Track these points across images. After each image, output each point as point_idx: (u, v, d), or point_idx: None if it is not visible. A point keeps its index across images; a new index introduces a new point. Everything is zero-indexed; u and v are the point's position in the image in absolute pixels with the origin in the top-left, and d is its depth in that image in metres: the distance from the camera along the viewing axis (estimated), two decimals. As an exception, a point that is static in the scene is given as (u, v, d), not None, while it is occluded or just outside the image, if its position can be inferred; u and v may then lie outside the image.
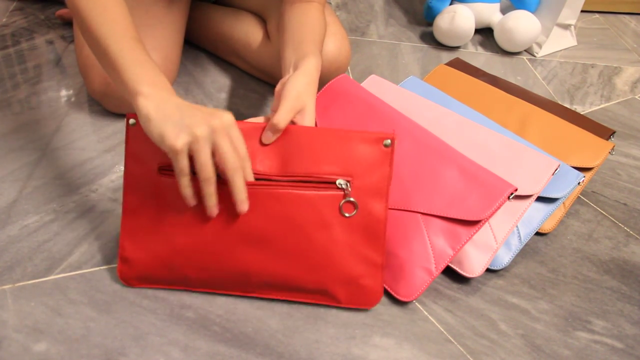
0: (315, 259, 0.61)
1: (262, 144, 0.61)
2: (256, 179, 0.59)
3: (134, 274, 0.64)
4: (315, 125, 0.67)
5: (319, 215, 0.60)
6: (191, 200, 0.58)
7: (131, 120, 0.61)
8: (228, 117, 0.55)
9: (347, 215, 0.60)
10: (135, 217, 0.62)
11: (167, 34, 0.88)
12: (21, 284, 0.65)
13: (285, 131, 0.60)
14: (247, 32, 0.97)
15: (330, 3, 1.36)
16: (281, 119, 0.60)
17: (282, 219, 0.60)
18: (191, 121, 0.53)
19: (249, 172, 0.58)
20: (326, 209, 0.60)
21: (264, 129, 0.61)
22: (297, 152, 0.60)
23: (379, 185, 0.60)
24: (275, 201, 0.59)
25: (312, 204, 0.60)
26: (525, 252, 0.76)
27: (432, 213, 0.66)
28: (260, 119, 0.65)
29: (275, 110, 0.64)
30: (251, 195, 0.59)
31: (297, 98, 0.63)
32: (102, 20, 0.59)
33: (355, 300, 0.64)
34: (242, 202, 0.58)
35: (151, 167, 0.61)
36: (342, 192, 0.60)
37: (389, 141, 0.60)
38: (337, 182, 0.59)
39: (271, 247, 0.61)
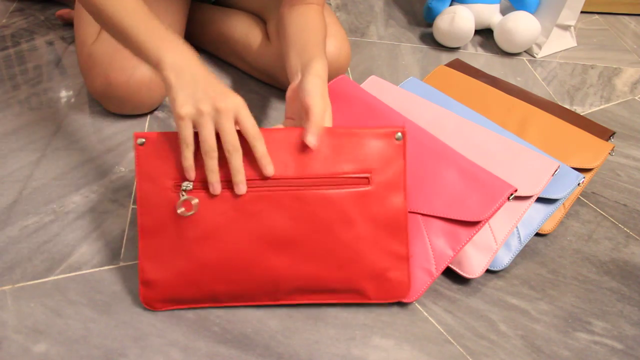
0: (343, 256, 0.61)
1: (281, 148, 0.61)
2: (278, 182, 0.60)
3: (159, 297, 0.62)
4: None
5: (343, 213, 0.60)
6: (191, 172, 0.59)
7: (139, 140, 0.60)
8: (235, 100, 0.57)
9: (369, 210, 0.61)
10: (153, 238, 0.61)
11: None
12: (21, 284, 0.65)
13: (300, 134, 0.61)
14: (247, 33, 0.97)
15: (330, 4, 1.36)
16: (319, 120, 0.61)
17: (307, 219, 0.60)
18: (200, 96, 0.57)
19: (262, 152, 0.59)
20: (350, 206, 0.60)
21: (284, 133, 0.61)
22: (315, 153, 0.60)
23: (397, 178, 0.62)
24: (300, 202, 0.60)
25: (336, 203, 0.60)
26: (525, 253, 0.76)
27: (432, 214, 0.66)
28: (279, 126, 0.66)
29: (290, 117, 0.67)
30: (275, 199, 0.60)
31: (323, 97, 0.63)
32: (120, 10, 0.63)
33: (384, 294, 0.64)
34: (239, 183, 0.59)
35: (165, 184, 0.60)
36: (363, 188, 0.61)
37: (400, 134, 0.61)
38: (358, 176, 0.60)
39: (299, 250, 0.61)
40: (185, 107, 0.57)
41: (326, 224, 0.60)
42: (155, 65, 0.60)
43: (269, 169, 0.59)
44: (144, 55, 0.62)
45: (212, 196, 0.59)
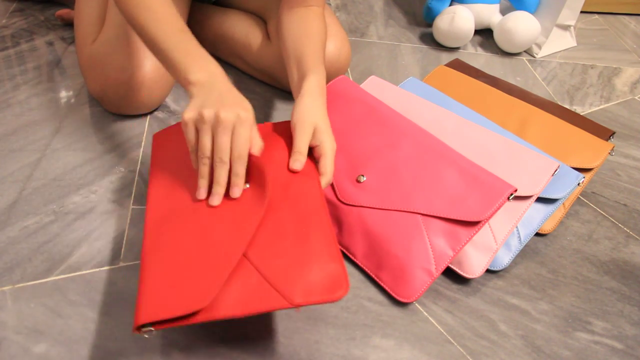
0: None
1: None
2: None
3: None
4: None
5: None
6: (195, 165, 0.61)
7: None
8: (238, 113, 0.58)
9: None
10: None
11: None
12: (21, 285, 0.64)
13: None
14: (247, 33, 0.97)
15: (330, 4, 1.36)
16: (300, 148, 0.64)
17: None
18: (209, 103, 0.58)
19: (236, 171, 0.59)
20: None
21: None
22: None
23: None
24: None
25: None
26: (525, 253, 0.76)
27: (432, 214, 0.66)
28: None
29: None
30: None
31: (303, 122, 0.65)
32: (151, 20, 0.64)
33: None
34: (215, 194, 0.60)
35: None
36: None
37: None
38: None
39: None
40: (190, 112, 0.58)
41: None
42: (182, 82, 0.62)
43: (235, 191, 0.60)
44: (172, 70, 0.63)
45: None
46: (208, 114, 0.57)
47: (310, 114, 0.66)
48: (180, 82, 0.63)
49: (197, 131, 0.59)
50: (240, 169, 0.59)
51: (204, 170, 0.59)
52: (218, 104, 0.58)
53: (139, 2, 0.64)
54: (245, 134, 0.59)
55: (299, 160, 0.64)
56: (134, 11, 0.65)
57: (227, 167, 0.59)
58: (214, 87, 0.60)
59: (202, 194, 0.60)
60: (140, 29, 0.65)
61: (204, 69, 0.62)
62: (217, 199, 0.60)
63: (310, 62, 0.73)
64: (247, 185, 0.61)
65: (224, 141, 0.58)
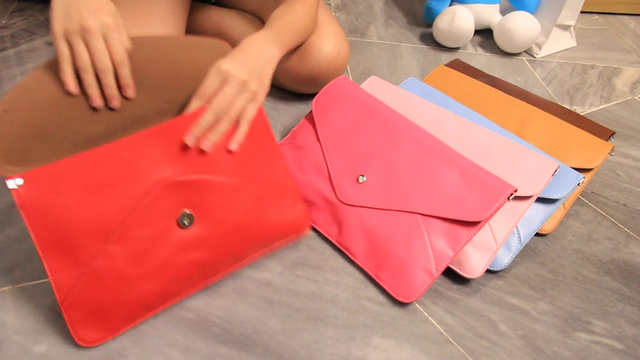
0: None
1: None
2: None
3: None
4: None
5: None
6: (72, 87, 0.58)
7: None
8: (102, 19, 0.58)
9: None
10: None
11: (167, 34, 0.88)
12: (21, 285, 0.65)
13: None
14: (246, 33, 0.97)
15: (329, 4, 1.36)
16: (204, 94, 0.61)
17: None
18: (71, 13, 0.57)
19: (124, 74, 0.60)
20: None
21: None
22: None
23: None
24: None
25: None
26: (525, 253, 0.76)
27: (432, 214, 0.66)
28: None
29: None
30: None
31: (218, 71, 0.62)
32: None
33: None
34: (111, 97, 0.60)
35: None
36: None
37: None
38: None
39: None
40: (56, 24, 0.57)
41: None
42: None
43: (128, 91, 0.60)
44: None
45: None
46: (73, 25, 0.57)
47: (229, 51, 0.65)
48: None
49: (69, 43, 0.58)
50: (126, 72, 0.60)
51: (89, 78, 0.58)
52: (82, 12, 0.57)
53: None
54: (118, 37, 0.58)
55: (191, 106, 0.61)
56: None
57: (111, 71, 0.59)
58: None
59: (98, 102, 0.60)
60: None
61: None
62: (116, 102, 0.61)
63: (266, 25, 0.71)
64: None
65: (97, 47, 0.57)
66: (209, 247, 0.61)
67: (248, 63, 0.63)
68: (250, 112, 0.63)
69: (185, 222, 0.59)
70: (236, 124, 0.63)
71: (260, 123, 0.66)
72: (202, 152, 0.61)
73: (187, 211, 0.59)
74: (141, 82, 0.63)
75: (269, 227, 0.65)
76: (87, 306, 0.57)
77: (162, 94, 0.65)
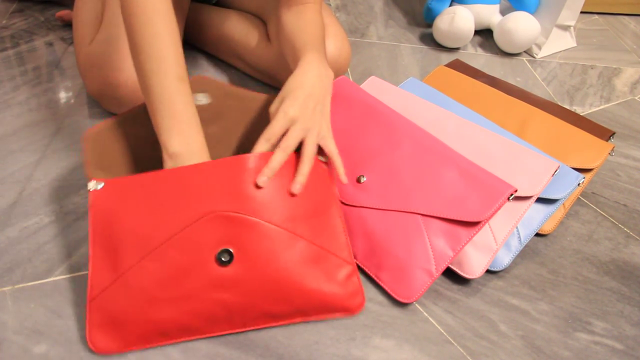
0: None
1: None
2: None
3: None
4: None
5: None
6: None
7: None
8: None
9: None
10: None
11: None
12: (21, 285, 0.64)
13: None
14: (247, 33, 0.97)
15: (329, 5, 1.36)
16: (266, 134, 0.63)
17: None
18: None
19: None
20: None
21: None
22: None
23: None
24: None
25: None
26: (525, 253, 0.76)
27: (432, 214, 0.66)
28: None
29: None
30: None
31: (277, 113, 0.64)
32: (150, 50, 0.60)
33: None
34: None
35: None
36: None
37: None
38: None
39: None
40: None
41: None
42: (159, 139, 0.61)
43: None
44: (153, 121, 0.62)
45: None
46: None
47: (284, 88, 0.66)
48: (157, 136, 0.62)
49: None
50: None
51: None
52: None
53: (146, 28, 0.60)
54: None
55: (258, 148, 0.62)
56: (137, 32, 0.61)
57: None
58: (186, 164, 0.60)
59: None
60: (137, 59, 0.62)
61: (183, 137, 0.60)
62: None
63: (306, 46, 0.72)
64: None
65: None
66: (241, 291, 0.58)
67: (310, 100, 0.64)
68: (314, 148, 0.63)
69: (224, 258, 0.58)
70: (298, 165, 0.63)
71: (326, 185, 0.65)
72: (260, 195, 0.60)
73: (229, 249, 0.58)
74: (230, 142, 0.72)
75: (311, 293, 0.60)
76: (109, 313, 0.57)
77: (236, 133, 0.71)
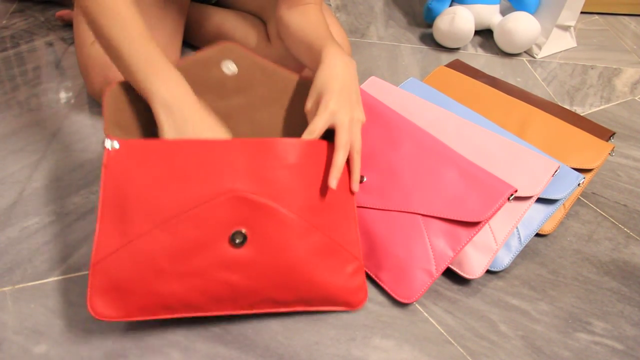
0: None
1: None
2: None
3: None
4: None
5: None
6: None
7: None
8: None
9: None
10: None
11: (166, 35, 0.88)
12: (21, 285, 0.64)
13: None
14: (247, 33, 0.97)
15: (329, 5, 1.36)
16: (313, 131, 0.62)
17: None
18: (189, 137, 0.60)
19: None
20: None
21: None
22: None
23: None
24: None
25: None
26: (525, 254, 0.76)
27: (432, 214, 0.66)
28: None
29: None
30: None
31: (320, 105, 0.64)
32: (110, 20, 0.60)
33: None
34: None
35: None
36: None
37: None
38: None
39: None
40: None
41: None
42: (143, 94, 0.60)
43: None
44: (132, 80, 0.60)
45: None
46: None
47: (317, 83, 0.65)
48: (140, 92, 0.60)
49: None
50: None
51: None
52: (199, 136, 0.59)
53: (105, 7, 0.60)
54: None
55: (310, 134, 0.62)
56: (96, 11, 0.60)
57: None
58: (181, 111, 0.59)
59: None
60: (100, 29, 0.61)
61: (168, 83, 0.59)
62: None
63: (322, 40, 0.71)
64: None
65: None
66: (250, 274, 0.58)
67: (345, 91, 0.64)
68: (360, 139, 0.64)
69: (237, 240, 0.57)
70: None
71: (345, 178, 0.65)
72: (282, 181, 0.60)
73: (243, 230, 0.58)
74: (253, 116, 0.68)
75: (318, 284, 0.61)
76: (113, 279, 0.56)
77: (266, 133, 0.69)
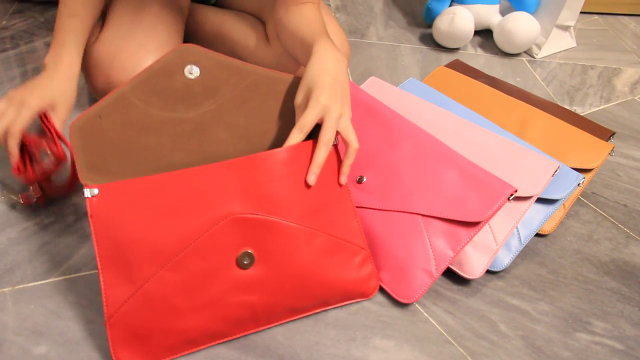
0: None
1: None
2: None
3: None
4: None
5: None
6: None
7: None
8: (24, 112, 0.68)
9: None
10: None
11: (166, 35, 0.88)
12: (21, 286, 0.64)
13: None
14: (246, 34, 0.97)
15: (329, 5, 1.36)
16: (304, 126, 0.62)
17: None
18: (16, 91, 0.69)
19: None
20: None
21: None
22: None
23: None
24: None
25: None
26: (525, 254, 0.76)
27: (432, 214, 0.66)
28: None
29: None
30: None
31: (309, 101, 0.63)
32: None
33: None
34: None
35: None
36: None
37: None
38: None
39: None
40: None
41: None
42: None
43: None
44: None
45: None
46: (14, 97, 0.68)
47: (307, 76, 0.64)
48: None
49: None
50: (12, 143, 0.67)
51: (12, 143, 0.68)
52: (22, 87, 0.68)
53: None
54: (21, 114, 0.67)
55: (292, 139, 0.61)
56: None
57: (15, 138, 0.67)
58: (45, 74, 0.70)
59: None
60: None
61: (55, 51, 0.72)
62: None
63: (315, 35, 0.71)
64: None
65: (8, 114, 0.67)
66: (265, 291, 0.59)
67: (336, 86, 0.64)
68: (354, 133, 0.64)
69: (245, 261, 0.57)
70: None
71: (336, 170, 0.65)
72: (276, 193, 0.59)
73: (249, 251, 0.58)
74: (227, 120, 0.64)
75: (331, 283, 0.62)
76: (132, 328, 0.55)
77: (244, 136, 0.65)
